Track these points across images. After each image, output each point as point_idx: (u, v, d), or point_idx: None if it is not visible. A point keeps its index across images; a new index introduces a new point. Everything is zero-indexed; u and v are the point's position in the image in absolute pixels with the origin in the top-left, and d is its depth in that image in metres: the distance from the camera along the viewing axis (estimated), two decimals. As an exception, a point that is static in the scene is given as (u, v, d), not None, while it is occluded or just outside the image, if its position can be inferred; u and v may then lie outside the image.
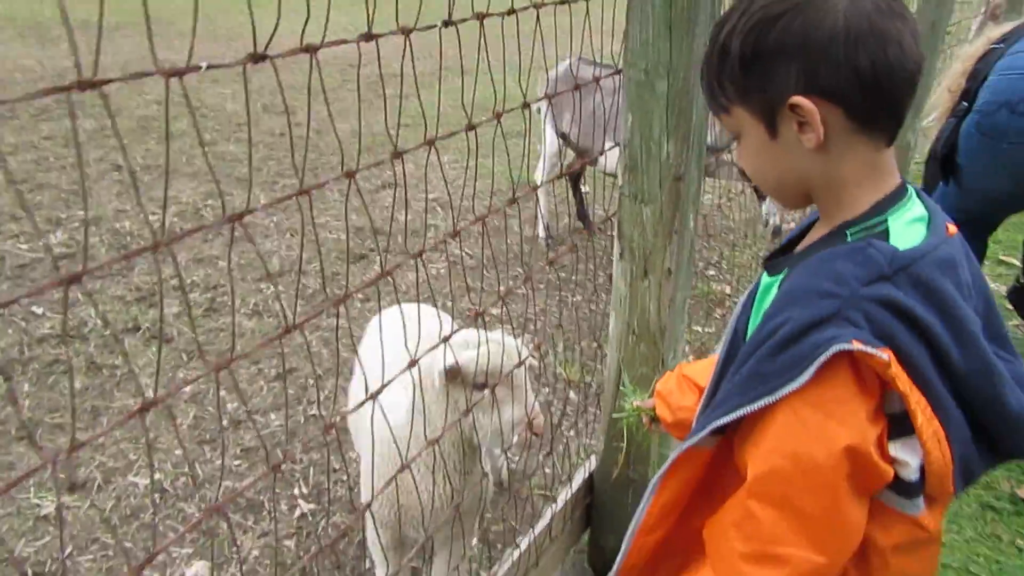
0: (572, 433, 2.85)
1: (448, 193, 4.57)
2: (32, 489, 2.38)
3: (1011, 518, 2.34)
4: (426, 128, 1.01)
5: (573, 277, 4.01)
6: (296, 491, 2.47)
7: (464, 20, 1.01)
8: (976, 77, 2.52)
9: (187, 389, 2.92)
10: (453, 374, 1.31)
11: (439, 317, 1.21)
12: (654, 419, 1.43)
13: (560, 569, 1.93)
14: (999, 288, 3.51)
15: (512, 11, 1.13)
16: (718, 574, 0.99)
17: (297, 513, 2.38)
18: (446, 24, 0.98)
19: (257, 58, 0.73)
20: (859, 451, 0.86)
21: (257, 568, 2.17)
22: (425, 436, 1.26)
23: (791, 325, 0.87)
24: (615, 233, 1.68)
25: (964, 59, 2.60)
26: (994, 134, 2.44)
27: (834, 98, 0.88)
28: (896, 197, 0.94)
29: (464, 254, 4.10)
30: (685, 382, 1.35)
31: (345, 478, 2.52)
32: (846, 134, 0.91)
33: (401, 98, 1.05)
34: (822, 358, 0.84)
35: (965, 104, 2.55)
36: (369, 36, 0.86)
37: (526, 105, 1.34)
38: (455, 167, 5.42)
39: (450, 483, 1.48)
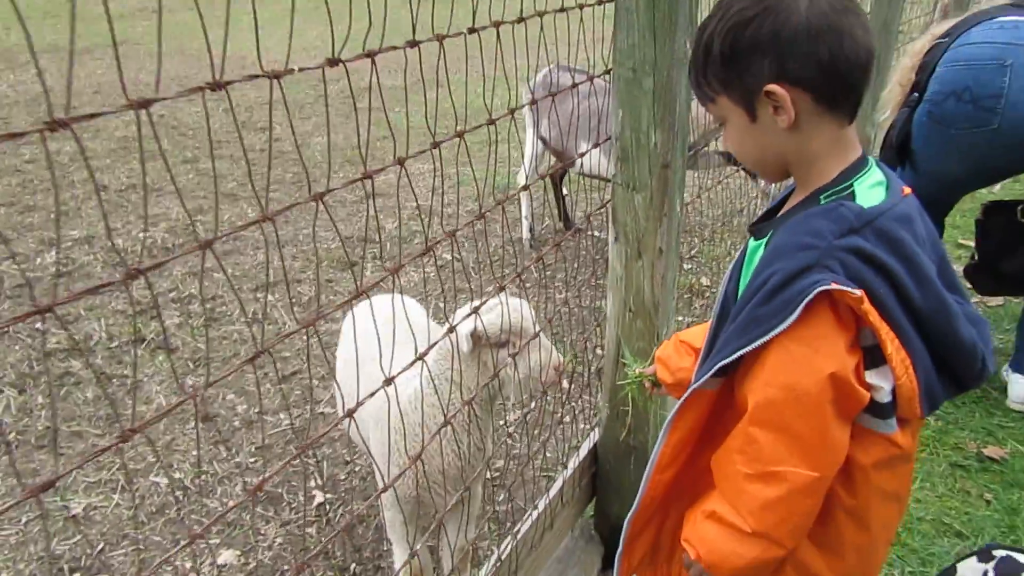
0: (568, 419, 3.00)
1: (442, 199, 4.72)
2: (60, 493, 2.48)
3: (978, 475, 2.54)
4: (456, 121, 1.17)
5: (558, 275, 4.18)
6: (312, 483, 2.60)
7: (484, 28, 1.17)
8: (925, 70, 2.73)
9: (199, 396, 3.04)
10: (478, 337, 1.46)
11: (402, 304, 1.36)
12: (655, 383, 1.59)
13: (570, 535, 2.08)
14: (958, 268, 3.74)
15: (521, 19, 1.29)
16: (725, 497, 1.15)
17: (315, 503, 2.51)
18: (471, 31, 1.14)
19: (334, 62, 0.89)
20: (840, 377, 1.02)
21: (282, 554, 2.30)
22: (442, 403, 1.41)
23: (779, 275, 1.04)
24: (609, 219, 1.85)
25: (912, 55, 2.81)
26: (944, 121, 2.65)
27: (802, 84, 1.05)
28: (859, 166, 1.12)
29: (453, 258, 4.25)
30: (682, 346, 1.51)
31: (357, 469, 2.66)
32: (814, 115, 1.08)
33: (425, 101, 1.20)
34: (807, 299, 1.00)
35: (916, 95, 2.76)
36: (414, 43, 1.02)
37: (511, 112, 1.49)
38: (433, 177, 5.58)
39: (474, 442, 1.63)
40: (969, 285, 3.34)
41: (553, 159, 4.53)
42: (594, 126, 3.66)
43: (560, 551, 2.02)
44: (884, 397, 1.08)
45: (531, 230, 4.54)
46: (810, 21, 1.01)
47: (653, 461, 1.27)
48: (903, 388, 1.07)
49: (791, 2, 1.02)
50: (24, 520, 2.40)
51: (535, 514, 1.74)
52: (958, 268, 3.70)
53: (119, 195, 5.17)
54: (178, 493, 2.51)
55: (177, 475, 2.60)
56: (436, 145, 1.11)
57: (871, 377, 1.07)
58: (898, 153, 2.84)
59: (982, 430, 2.74)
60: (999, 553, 1.46)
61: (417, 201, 1.29)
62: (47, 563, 2.23)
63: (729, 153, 4.07)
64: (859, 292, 1.00)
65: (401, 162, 1.03)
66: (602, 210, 1.97)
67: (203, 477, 2.60)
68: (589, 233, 4.72)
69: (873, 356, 1.06)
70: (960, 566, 1.50)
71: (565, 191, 4.96)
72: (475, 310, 1.32)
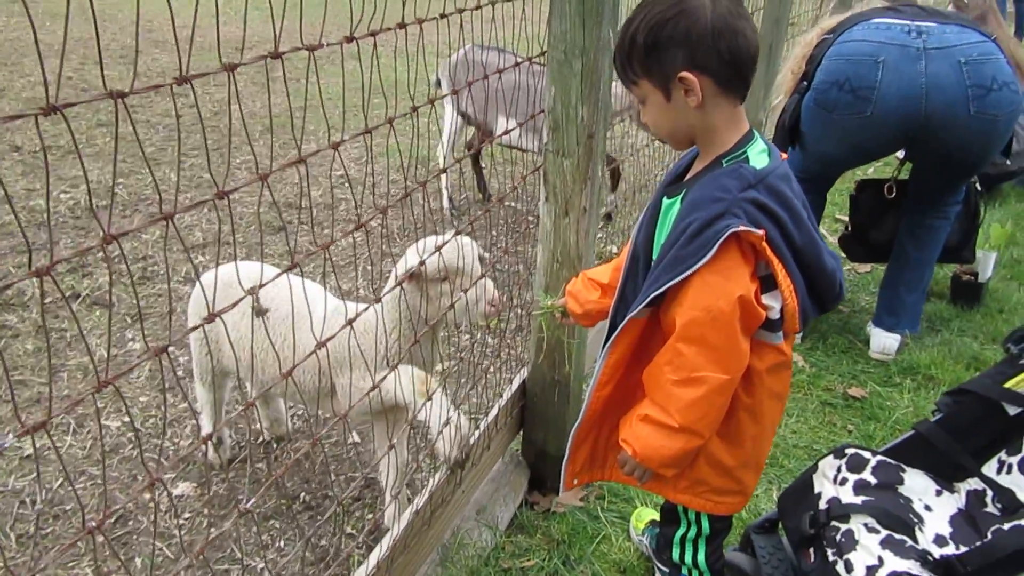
0: (492, 370, 3.29)
1: (366, 170, 4.88)
2: (12, 435, 2.59)
3: (843, 410, 2.98)
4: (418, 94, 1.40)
5: (479, 243, 4.43)
6: (258, 425, 2.79)
7: (452, 13, 1.42)
8: (813, 61, 3.11)
9: (137, 346, 3.16)
10: (417, 277, 1.72)
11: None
12: (564, 314, 1.86)
13: (502, 460, 2.37)
14: (834, 238, 4.22)
15: (479, 6, 1.54)
16: (656, 402, 1.43)
17: (260, 440, 2.71)
18: (442, 16, 1.38)
19: (350, 39, 1.11)
20: (746, 299, 1.34)
21: (236, 485, 2.49)
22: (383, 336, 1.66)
23: (697, 222, 1.34)
24: (541, 181, 2.12)
25: (803, 46, 3.20)
26: (827, 107, 3.04)
27: (706, 72, 1.35)
28: (749, 137, 1.43)
29: (379, 226, 4.45)
30: (589, 282, 1.78)
31: (300, 412, 2.86)
32: (715, 96, 1.38)
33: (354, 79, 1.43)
34: (721, 239, 1.30)
35: (805, 83, 3.15)
36: (402, 25, 1.25)
37: (442, 95, 1.73)
38: (356, 146, 5.74)
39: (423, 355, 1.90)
40: (842, 253, 3.80)
41: (472, 132, 4.78)
42: (512, 100, 3.93)
43: (493, 472, 2.31)
44: (775, 315, 1.41)
45: (450, 199, 4.78)
46: (713, 23, 1.31)
47: (595, 380, 1.55)
48: (788, 307, 1.40)
49: (698, 7, 1.31)
50: (-24, 462, 2.51)
51: (476, 434, 2.02)
52: (835, 239, 4.18)
53: (33, 156, 5.09)
54: (130, 434, 2.66)
55: (126, 419, 2.74)
56: (339, 142, 1.35)
57: (766, 299, 1.39)
58: (789, 134, 3.22)
59: (848, 374, 3.19)
60: (850, 451, 1.83)
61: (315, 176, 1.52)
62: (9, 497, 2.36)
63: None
64: (761, 232, 1.31)
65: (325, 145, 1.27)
66: (533, 174, 2.24)
67: (151, 421, 2.75)
68: (507, 204, 4.99)
69: (767, 283, 1.39)
70: (821, 463, 1.87)
71: (483, 164, 5.22)
72: (437, 251, 1.57)
